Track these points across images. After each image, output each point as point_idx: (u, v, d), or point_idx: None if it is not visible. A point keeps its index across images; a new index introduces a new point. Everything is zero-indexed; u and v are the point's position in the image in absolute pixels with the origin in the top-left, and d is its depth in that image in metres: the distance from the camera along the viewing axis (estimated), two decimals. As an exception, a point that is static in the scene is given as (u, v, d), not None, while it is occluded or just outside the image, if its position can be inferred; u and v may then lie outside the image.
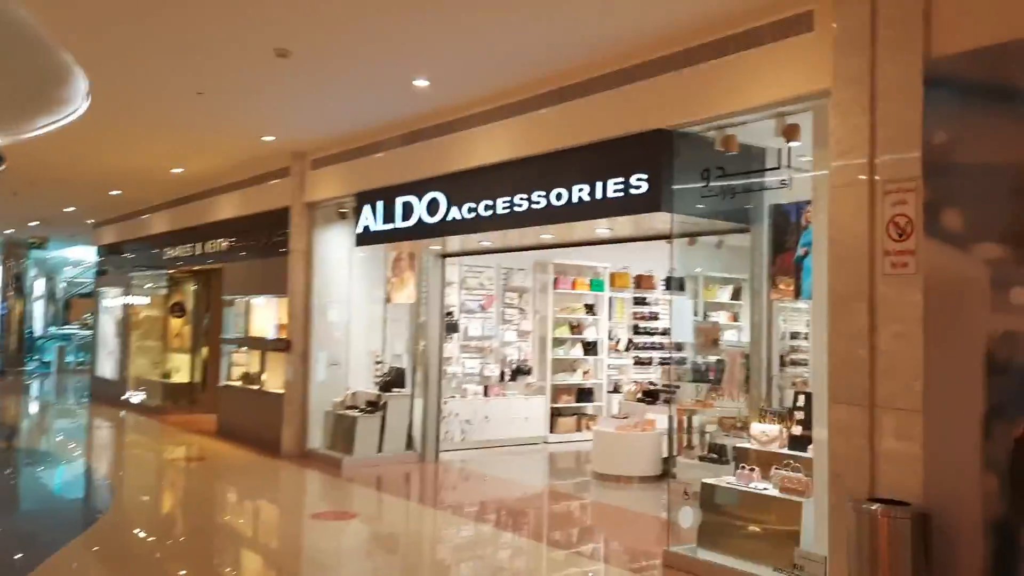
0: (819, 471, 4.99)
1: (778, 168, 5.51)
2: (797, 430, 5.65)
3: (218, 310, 13.67)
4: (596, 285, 12.68)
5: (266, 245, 11.68)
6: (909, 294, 4.25)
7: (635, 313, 13.30)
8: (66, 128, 9.60)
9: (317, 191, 10.57)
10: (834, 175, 4.60)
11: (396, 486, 9.40)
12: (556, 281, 12.28)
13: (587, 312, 12.66)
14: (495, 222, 7.73)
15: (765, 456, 5.79)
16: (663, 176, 5.94)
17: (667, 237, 6.61)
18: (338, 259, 10.89)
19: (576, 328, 12.62)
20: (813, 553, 5.01)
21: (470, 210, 8.04)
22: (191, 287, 15.41)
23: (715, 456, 7.90)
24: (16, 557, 6.19)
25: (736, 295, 12.46)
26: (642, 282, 13.26)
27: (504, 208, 7.56)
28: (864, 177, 4.45)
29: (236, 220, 12.45)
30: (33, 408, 15.57)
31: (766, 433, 5.82)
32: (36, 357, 23.39)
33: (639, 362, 13.13)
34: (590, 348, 12.65)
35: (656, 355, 13.28)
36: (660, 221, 7.04)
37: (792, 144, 5.30)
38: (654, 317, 13.43)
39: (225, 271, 12.97)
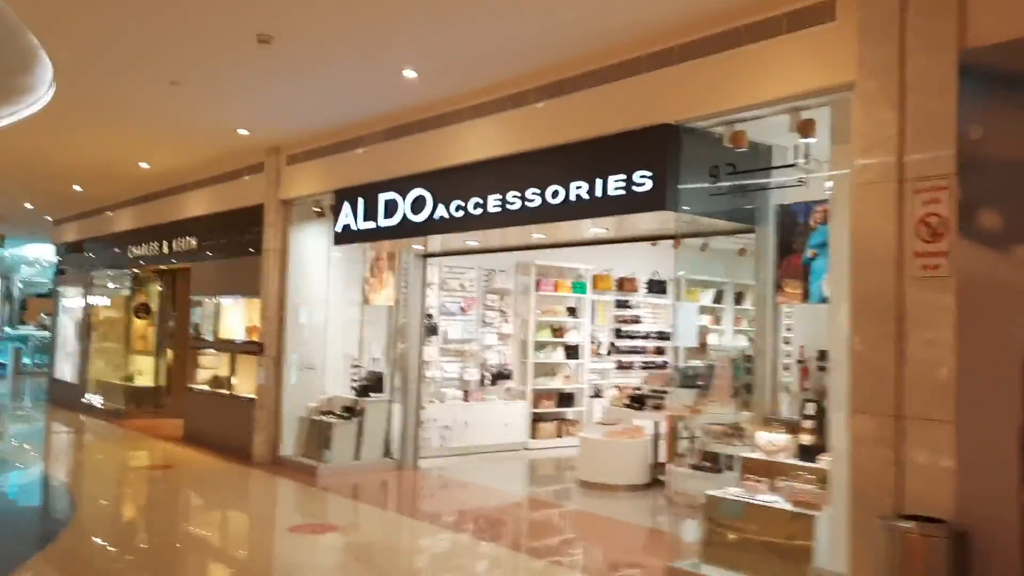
0: (836, 484, 4.75)
1: (792, 165, 5.26)
2: (806, 439, 5.41)
3: (185, 311, 13.17)
4: (578, 287, 12.41)
5: (238, 244, 11.24)
6: (941, 298, 4.02)
7: (617, 316, 13.06)
8: (28, 119, 9.11)
9: (293, 187, 10.16)
10: (858, 172, 4.36)
11: (374, 495, 9.03)
12: (538, 283, 11.99)
13: (569, 315, 12.39)
14: (485, 221, 7.41)
15: (771, 466, 5.55)
16: (668, 173, 5.66)
17: (668, 237, 6.36)
18: (314, 259, 10.49)
19: (558, 331, 12.34)
20: (828, 571, 4.76)
21: (458, 208, 7.71)
22: (156, 287, 14.86)
23: (708, 465, 7.68)
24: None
25: (718, 298, 12.31)
26: (624, 285, 13.03)
27: (495, 206, 7.25)
28: (891, 174, 4.22)
29: (206, 217, 11.98)
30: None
31: (773, 443, 5.57)
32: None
33: (621, 366, 12.90)
34: (572, 352, 12.38)
35: (638, 359, 13.07)
36: (656, 221, 6.80)
37: (807, 140, 5.05)
38: (636, 320, 13.21)
39: (193, 270, 12.48)
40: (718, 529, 5.50)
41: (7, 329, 24.06)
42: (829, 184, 5.12)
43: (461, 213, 7.69)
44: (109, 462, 11.14)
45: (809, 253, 5.51)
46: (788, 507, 5.08)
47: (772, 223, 5.85)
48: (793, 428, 5.58)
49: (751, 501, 5.31)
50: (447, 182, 7.90)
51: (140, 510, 8.53)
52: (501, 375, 11.99)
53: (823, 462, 5.19)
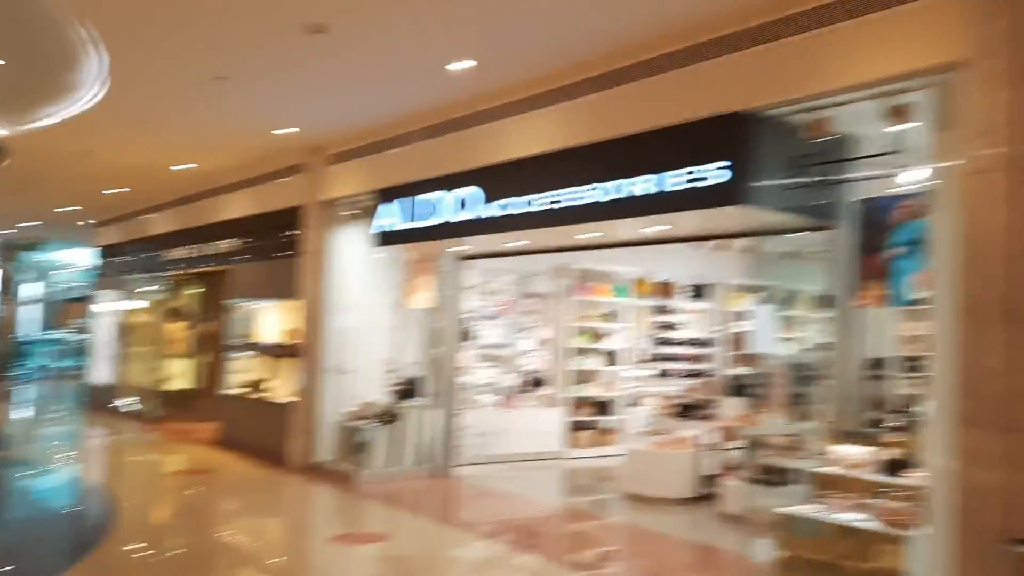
0: (935, 503, 4.35)
1: (884, 155, 4.86)
2: (892, 453, 5.02)
3: (221, 314, 12.99)
4: (619, 291, 12.05)
5: (275, 246, 11.04)
6: (1061, 298, 3.65)
7: (657, 322, 12.67)
8: (70, 120, 8.95)
9: (333, 188, 9.93)
10: (968, 161, 3.98)
11: (411, 503, 8.71)
12: (576, 287, 11.64)
13: (607, 320, 12.03)
14: (536, 219, 7.10)
15: (849, 482, 5.16)
16: (745, 165, 5.29)
17: (728, 236, 5.98)
18: (352, 261, 10.23)
19: (596, 337, 11.98)
20: (923, 596, 4.38)
21: (506, 206, 7.41)
22: (193, 290, 14.71)
23: (770, 478, 7.28)
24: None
25: (770, 302, 11.87)
26: (664, 289, 12.64)
27: (547, 204, 6.93)
28: (1005, 163, 3.84)
29: (244, 220, 11.80)
30: (21, 416, 14.81)
31: (851, 456, 5.19)
32: (24, 363, 22.56)
33: (663, 373, 12.49)
34: (610, 358, 12.01)
35: (679, 366, 12.65)
36: (711, 219, 6.43)
37: (900, 127, 4.66)
38: (675, 327, 12.81)
39: (230, 273, 12.29)
40: (793, 549, 5.13)
41: (42, 333, 24.13)
42: (919, 176, 4.73)
43: (509, 212, 7.39)
44: (145, 467, 10.95)
45: (892, 252, 5.12)
46: (878, 527, 4.68)
47: (852, 220, 5.45)
48: (869, 440, 5.19)
49: (833, 520, 4.92)
50: (495, 179, 7.60)
51: (179, 516, 8.30)
52: (537, 381, 11.66)
53: (912, 478, 4.80)
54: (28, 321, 23.35)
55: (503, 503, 9.00)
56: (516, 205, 7.32)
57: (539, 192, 7.03)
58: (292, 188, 10.53)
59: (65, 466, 10.68)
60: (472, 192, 7.83)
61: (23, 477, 9.65)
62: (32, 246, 21.59)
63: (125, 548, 6.53)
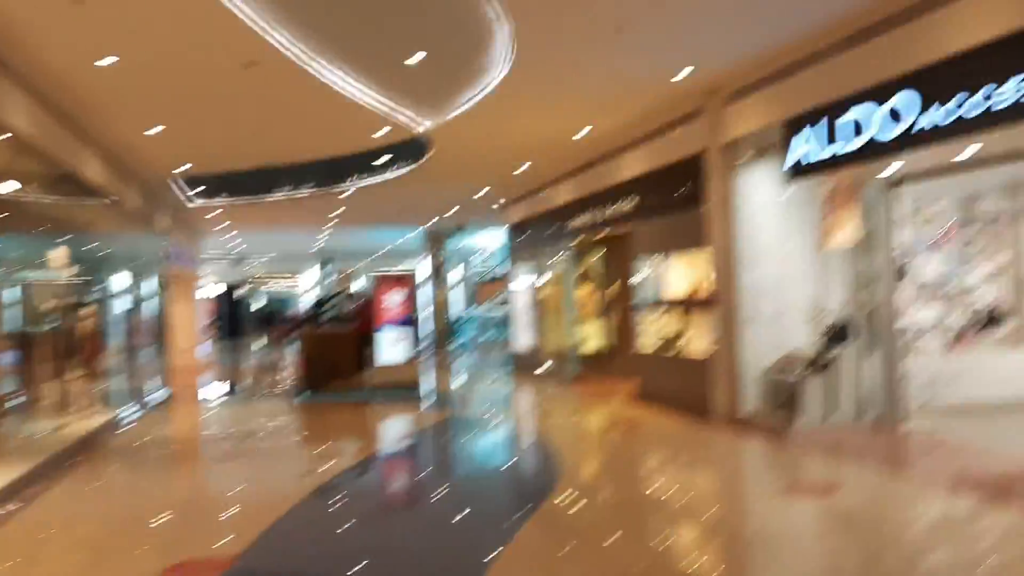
0: None
1: None
2: None
3: (625, 275, 13.29)
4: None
5: (676, 200, 10.91)
6: None
7: None
8: (481, 103, 9.71)
9: (736, 127, 9.46)
10: None
11: (857, 456, 7.90)
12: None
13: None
14: (999, 118, 5.94)
15: None
16: None
17: None
18: (761, 203, 9.68)
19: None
20: None
21: (954, 110, 6.31)
22: (597, 254, 15.34)
23: None
24: (483, 533, 6.05)
25: None
26: None
27: (1017, 95, 5.74)
28: None
29: (642, 177, 11.87)
30: (459, 382, 16.75)
31: None
32: (457, 337, 25.72)
33: None
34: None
35: None
36: None
37: None
38: None
39: (632, 233, 12.49)
40: None
41: (466, 311, 27.29)
42: None
43: (958, 116, 6.29)
44: (573, 424, 11.59)
45: None
46: None
47: None
48: None
49: None
50: (934, 80, 6.53)
51: (613, 470, 8.54)
52: (993, 318, 10.01)
53: None
54: (455, 302, 26.49)
55: (963, 455, 7.81)
56: (969, 106, 6.20)
57: (998, 83, 5.85)
58: (690, 136, 10.28)
59: (503, 425, 11.74)
60: (906, 99, 6.82)
61: (469, 436, 10.78)
62: (455, 233, 24.34)
63: (570, 500, 6.78)
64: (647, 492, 7.29)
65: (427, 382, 15.18)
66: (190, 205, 16.76)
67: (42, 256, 10.95)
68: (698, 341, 10.52)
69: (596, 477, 8.16)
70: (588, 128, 11.67)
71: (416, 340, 14.79)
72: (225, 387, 16.98)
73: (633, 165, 12.11)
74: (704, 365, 10.15)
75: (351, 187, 15.30)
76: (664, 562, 5.14)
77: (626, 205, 12.52)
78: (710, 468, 8.28)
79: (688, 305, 10.79)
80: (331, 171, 14.97)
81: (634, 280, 12.47)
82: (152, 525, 6.25)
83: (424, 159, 13.04)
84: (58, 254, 11.14)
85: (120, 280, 13.92)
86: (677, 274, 11.20)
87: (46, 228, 10.99)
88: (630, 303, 12.87)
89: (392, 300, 14.63)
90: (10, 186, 9.51)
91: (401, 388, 13.84)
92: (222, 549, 5.45)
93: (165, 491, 7.64)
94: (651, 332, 11.91)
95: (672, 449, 9.06)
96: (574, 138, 11.93)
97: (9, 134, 8.03)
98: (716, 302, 9.89)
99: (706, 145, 9.91)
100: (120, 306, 13.79)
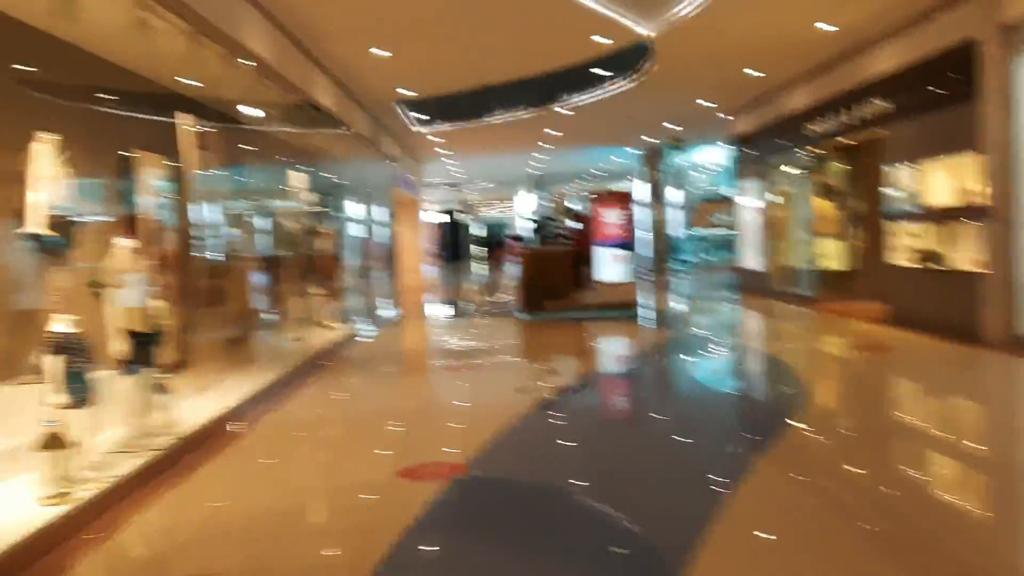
0: None
1: None
2: None
3: (874, 184, 11.91)
4: None
5: (937, 96, 9.48)
6: None
7: None
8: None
9: (1017, 3, 7.94)
10: None
11: None
12: None
13: None
14: None
15: None
16: None
17: None
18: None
19: None
20: None
21: None
22: (839, 164, 13.91)
23: None
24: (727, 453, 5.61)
25: None
26: None
27: None
28: None
29: (896, 74, 10.46)
30: (678, 303, 16.13)
31: None
32: (678, 257, 24.91)
33: None
34: None
35: None
36: None
37: None
38: None
39: (884, 137, 11.10)
40: None
41: (686, 231, 26.26)
42: None
43: None
44: (813, 347, 10.75)
45: None
46: None
47: None
48: None
49: None
50: None
51: (864, 395, 7.69)
52: None
53: None
54: (672, 221, 25.55)
55: None
56: None
57: None
58: (957, 20, 8.84)
59: (732, 347, 11.06)
60: None
61: (695, 358, 10.21)
62: (675, 148, 23.17)
63: (815, 426, 6.20)
64: (905, 422, 6.48)
65: (647, 302, 14.75)
66: (412, 130, 17.17)
67: (285, 184, 11.60)
68: (962, 255, 9.21)
69: (842, 404, 7.42)
70: (826, 26, 10.31)
71: (635, 259, 14.35)
72: (449, 307, 17.54)
73: (886, 60, 10.69)
74: (973, 280, 8.89)
75: (567, 105, 14.90)
76: (927, 502, 4.45)
77: (876, 106, 11.12)
78: (982, 395, 7.23)
79: (953, 215, 9.44)
80: (547, 90, 14.66)
81: (885, 190, 11.12)
82: (387, 429, 6.45)
83: (644, 71, 12.31)
84: (299, 182, 11.76)
85: (353, 206, 14.63)
86: (939, 181, 9.81)
87: (287, 158, 11.62)
88: (879, 216, 11.53)
89: (610, 219, 14.24)
90: (256, 113, 10.04)
91: (620, 307, 13.52)
92: (452, 456, 5.46)
93: (398, 399, 7.91)
94: (904, 246, 10.61)
95: (931, 374, 8.07)
96: (820, 26, 10.48)
97: (254, 63, 8.37)
98: (990, 211, 8.55)
99: (978, 29, 8.44)
100: (353, 230, 14.53)
